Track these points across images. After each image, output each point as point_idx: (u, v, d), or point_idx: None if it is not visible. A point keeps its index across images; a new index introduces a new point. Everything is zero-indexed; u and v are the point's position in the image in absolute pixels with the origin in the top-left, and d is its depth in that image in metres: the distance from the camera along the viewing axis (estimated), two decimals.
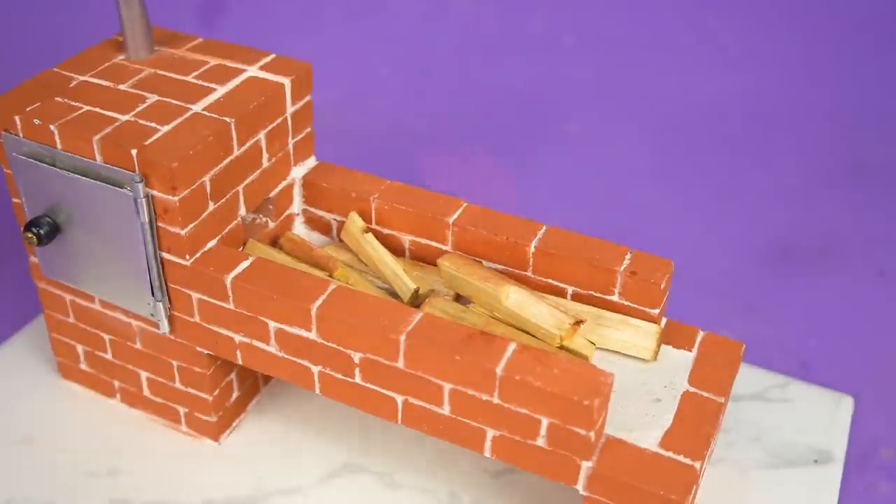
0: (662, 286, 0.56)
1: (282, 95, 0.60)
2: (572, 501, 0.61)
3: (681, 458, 0.50)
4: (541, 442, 0.50)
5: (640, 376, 0.56)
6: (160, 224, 0.55)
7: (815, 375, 0.72)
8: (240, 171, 0.58)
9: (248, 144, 0.58)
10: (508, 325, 0.56)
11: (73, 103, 0.57)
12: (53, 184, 0.56)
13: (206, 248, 0.57)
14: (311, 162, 0.66)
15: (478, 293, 0.57)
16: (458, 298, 0.60)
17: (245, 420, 0.66)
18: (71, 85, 0.59)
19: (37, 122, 0.55)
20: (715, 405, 0.54)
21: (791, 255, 0.85)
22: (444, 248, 0.61)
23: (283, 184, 0.63)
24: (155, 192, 0.54)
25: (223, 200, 0.58)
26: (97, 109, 0.56)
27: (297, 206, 0.65)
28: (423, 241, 0.62)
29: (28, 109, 0.56)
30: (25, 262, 0.80)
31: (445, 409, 0.53)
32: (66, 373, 0.69)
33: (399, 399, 0.54)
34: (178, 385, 0.63)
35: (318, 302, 0.53)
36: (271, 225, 0.63)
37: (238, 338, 0.57)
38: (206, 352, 0.60)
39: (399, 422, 0.55)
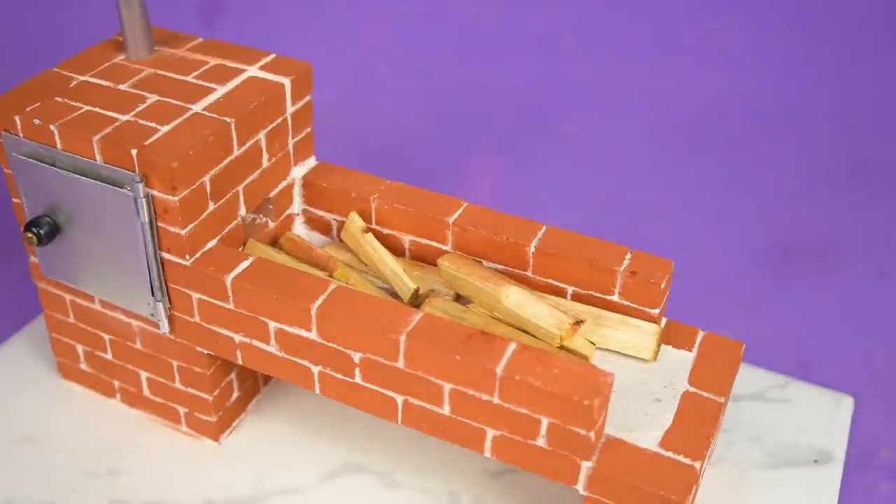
0: (662, 286, 0.56)
1: (282, 95, 0.60)
2: (572, 501, 0.61)
3: (681, 458, 0.50)
4: (541, 442, 0.50)
5: (640, 376, 0.56)
6: (160, 224, 0.55)
7: (815, 375, 0.72)
8: (240, 171, 0.58)
9: (248, 144, 0.58)
10: (508, 325, 0.56)
11: (73, 103, 0.57)
12: (53, 184, 0.56)
13: (206, 248, 0.57)
14: (311, 162, 0.66)
15: (478, 293, 0.57)
16: (458, 298, 0.60)
17: (245, 420, 0.66)
18: (71, 85, 0.59)
19: (37, 122, 0.55)
20: (715, 405, 0.54)
21: (791, 255, 0.85)
22: (444, 248, 0.61)
23: (283, 184, 0.63)
24: (155, 192, 0.54)
25: (223, 200, 0.58)
26: (97, 109, 0.56)
27: (297, 206, 0.65)
28: (423, 241, 0.62)
29: (28, 109, 0.56)
30: (25, 262, 0.80)
31: (445, 409, 0.53)
32: (66, 373, 0.69)
33: (399, 399, 0.54)
34: (178, 385, 0.63)
35: (318, 302, 0.53)
36: (271, 225, 0.63)
37: (238, 338, 0.57)
38: (206, 352, 0.60)
39: (399, 422, 0.55)
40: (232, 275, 0.55)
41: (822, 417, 0.66)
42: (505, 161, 0.97)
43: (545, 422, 0.49)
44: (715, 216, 0.90)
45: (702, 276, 0.81)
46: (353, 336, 0.53)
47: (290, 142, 0.63)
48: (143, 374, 0.64)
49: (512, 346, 0.50)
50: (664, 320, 0.59)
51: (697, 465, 0.50)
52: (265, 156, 0.60)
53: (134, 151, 0.53)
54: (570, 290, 0.59)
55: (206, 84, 0.60)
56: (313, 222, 0.66)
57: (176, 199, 0.53)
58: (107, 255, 0.58)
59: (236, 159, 0.58)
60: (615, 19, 1.11)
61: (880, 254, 0.85)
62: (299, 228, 0.66)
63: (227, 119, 0.56)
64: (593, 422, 0.48)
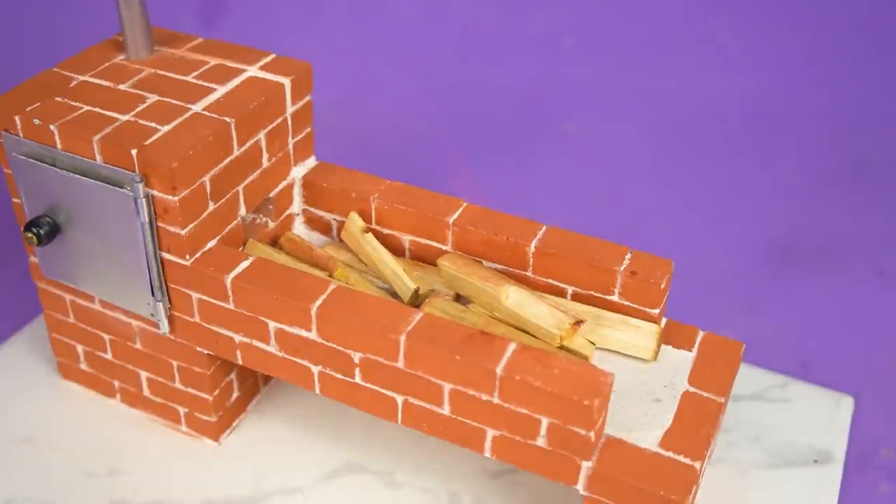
0: (662, 286, 0.56)
1: (282, 95, 0.60)
2: (572, 501, 0.61)
3: (681, 458, 0.50)
4: (541, 442, 0.50)
5: (640, 376, 0.56)
6: (160, 224, 0.55)
7: (815, 375, 0.72)
8: (240, 171, 0.58)
9: (248, 144, 0.58)
10: (508, 325, 0.56)
11: (73, 103, 0.57)
12: (53, 184, 0.56)
13: (206, 248, 0.57)
14: (311, 162, 0.66)
15: (478, 293, 0.57)
16: (458, 298, 0.60)
17: (245, 420, 0.66)
18: (71, 85, 0.59)
19: (37, 122, 0.55)
20: (715, 405, 0.54)
21: (791, 255, 0.85)
22: (444, 248, 0.61)
23: (283, 184, 0.63)
24: (155, 192, 0.54)
25: (223, 200, 0.58)
26: (97, 109, 0.56)
27: (297, 206, 0.65)
28: (423, 241, 0.62)
29: (28, 109, 0.56)
30: (25, 262, 0.80)
31: (445, 409, 0.53)
32: (66, 373, 0.69)
33: (399, 399, 0.54)
34: (178, 385, 0.63)
35: (318, 302, 0.53)
36: (271, 225, 0.63)
37: (238, 338, 0.57)
38: (206, 352, 0.60)
39: (399, 422, 0.55)
40: (232, 275, 0.55)
41: (822, 417, 0.66)
42: (505, 161, 0.97)
43: (545, 422, 0.49)
44: (715, 216, 0.90)
45: (702, 276, 0.81)
46: (353, 336, 0.53)
47: (290, 142, 0.63)
48: (143, 374, 0.64)
49: (512, 346, 0.50)
50: (664, 320, 0.59)
51: (697, 465, 0.50)
52: (265, 156, 0.60)
53: (134, 151, 0.53)
54: (570, 290, 0.59)
55: (206, 84, 0.60)
56: (313, 222, 0.66)
57: (176, 199, 0.53)
58: (107, 255, 0.58)
59: (236, 159, 0.58)
60: (615, 19, 1.11)
61: (880, 254, 0.85)
62: (299, 228, 0.66)
63: (227, 119, 0.56)
64: (593, 422, 0.48)
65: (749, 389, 0.68)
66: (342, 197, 0.63)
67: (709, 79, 1.06)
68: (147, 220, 0.54)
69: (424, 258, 0.62)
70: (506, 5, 1.12)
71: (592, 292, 0.58)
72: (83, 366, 0.67)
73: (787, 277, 0.82)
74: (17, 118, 0.56)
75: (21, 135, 0.56)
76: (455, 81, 1.07)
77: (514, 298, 0.56)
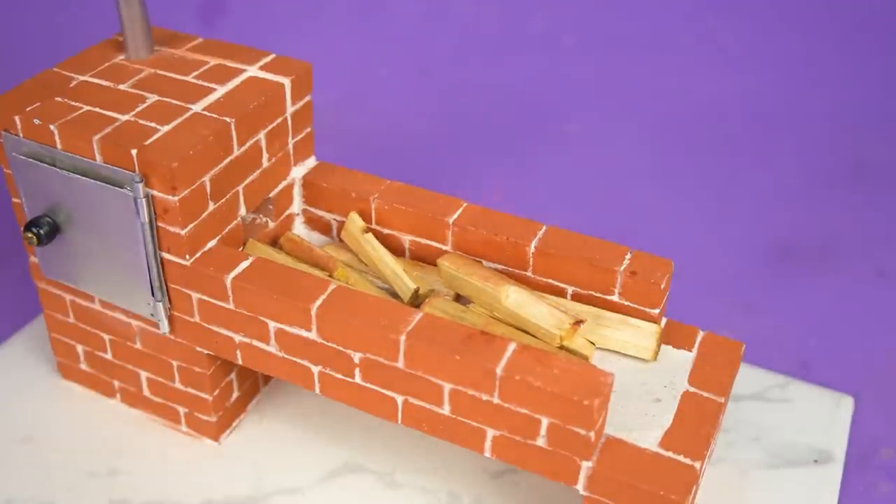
0: (662, 286, 0.56)
1: (282, 95, 0.60)
2: (572, 501, 0.61)
3: (681, 458, 0.50)
4: (541, 442, 0.50)
5: (640, 376, 0.56)
6: (160, 224, 0.55)
7: (815, 375, 0.72)
8: (240, 171, 0.58)
9: (248, 144, 0.58)
10: (508, 325, 0.56)
11: (73, 103, 0.57)
12: (53, 184, 0.56)
13: (206, 248, 0.57)
14: (311, 162, 0.66)
15: (478, 293, 0.57)
16: (458, 298, 0.60)
17: (245, 420, 0.66)
18: (71, 85, 0.59)
19: (37, 122, 0.55)
20: (715, 405, 0.54)
21: (791, 255, 0.85)
22: (444, 248, 0.61)
23: (283, 184, 0.63)
24: (155, 192, 0.54)
25: (223, 200, 0.58)
26: (97, 109, 0.56)
27: (297, 206, 0.65)
28: (423, 241, 0.62)
29: (28, 109, 0.56)
30: (25, 262, 0.80)
31: (445, 409, 0.53)
32: (66, 373, 0.69)
33: (399, 399, 0.54)
34: (178, 385, 0.63)
35: (318, 302, 0.53)
36: (271, 225, 0.63)
37: (238, 338, 0.57)
38: (206, 352, 0.60)
39: (399, 422, 0.55)
40: (232, 275, 0.55)
41: (822, 417, 0.66)
42: (505, 161, 0.97)
43: (545, 422, 0.49)
44: (715, 216, 0.90)
45: (702, 276, 0.81)
46: (353, 336, 0.53)
47: (290, 142, 0.63)
48: (143, 374, 0.64)
49: (512, 346, 0.50)
50: (664, 320, 0.59)
51: (697, 465, 0.50)
52: (265, 156, 0.60)
53: (134, 151, 0.53)
54: (570, 290, 0.59)
55: (206, 84, 0.60)
56: (313, 222, 0.66)
57: (176, 199, 0.53)
58: (107, 255, 0.58)
59: (236, 159, 0.58)
60: (615, 19, 1.11)
61: (880, 254, 0.85)
62: (299, 228, 0.66)
63: (227, 119, 0.56)
64: (593, 422, 0.48)
65: (749, 389, 0.68)
66: (342, 197, 0.63)
67: (709, 79, 1.06)
68: (147, 220, 0.54)
69: (424, 258, 0.62)
70: (506, 5, 1.12)
71: (592, 292, 0.58)
72: (83, 366, 0.67)
73: (787, 277, 0.82)
74: (17, 118, 0.56)
75: (21, 135, 0.56)
76: (455, 81, 1.07)
77: (514, 298, 0.56)
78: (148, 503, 0.61)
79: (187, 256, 0.56)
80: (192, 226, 0.55)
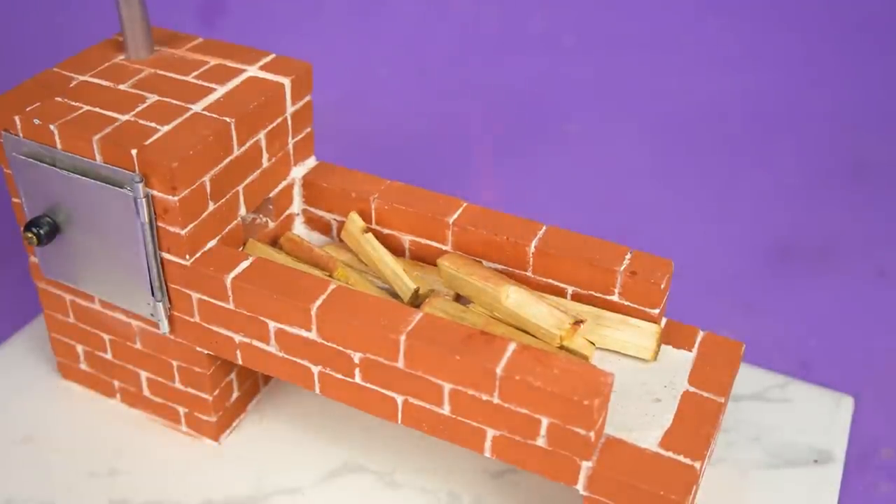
0: (662, 286, 0.56)
1: (282, 95, 0.60)
2: (572, 501, 0.61)
3: (681, 458, 0.50)
4: (541, 442, 0.50)
5: (640, 376, 0.56)
6: (160, 224, 0.55)
7: (815, 375, 0.72)
8: (240, 171, 0.58)
9: (248, 144, 0.58)
10: (508, 325, 0.56)
11: (73, 103, 0.57)
12: (53, 184, 0.56)
13: (206, 248, 0.57)
14: (311, 162, 0.66)
15: (478, 293, 0.57)
16: (458, 298, 0.60)
17: (245, 420, 0.66)
18: (71, 85, 0.59)
19: (37, 122, 0.55)
20: (715, 405, 0.54)
21: (791, 255, 0.85)
22: (444, 248, 0.61)
23: (283, 184, 0.63)
24: (155, 192, 0.54)
25: (223, 200, 0.58)
26: (97, 109, 0.56)
27: (297, 206, 0.65)
28: (423, 241, 0.62)
29: (28, 109, 0.56)
30: (25, 262, 0.80)
31: (445, 409, 0.53)
32: (66, 372, 0.69)
33: (399, 399, 0.54)
34: (178, 385, 0.63)
35: (318, 302, 0.53)
36: (271, 225, 0.63)
37: (238, 338, 0.57)
38: (206, 352, 0.60)
39: (399, 422, 0.55)
40: (232, 275, 0.55)
41: (822, 417, 0.66)
42: (505, 161, 0.97)
43: (545, 422, 0.49)
44: (715, 216, 0.90)
45: (702, 276, 0.81)
46: (353, 336, 0.53)
47: (290, 142, 0.63)
48: (143, 374, 0.64)
49: (512, 346, 0.50)
50: (664, 320, 0.59)
51: (697, 465, 0.50)
52: (265, 156, 0.60)
53: (134, 151, 0.53)
54: (570, 290, 0.59)
55: (206, 84, 0.60)
56: (313, 222, 0.66)
57: (176, 199, 0.53)
58: (107, 255, 0.58)
59: (236, 159, 0.58)
60: (615, 19, 1.11)
61: (880, 254, 0.85)
62: (299, 228, 0.66)
63: (227, 119, 0.56)
64: (593, 422, 0.48)
65: (749, 389, 0.68)
66: (342, 197, 0.63)
67: (709, 79, 1.06)
68: (147, 220, 0.54)
69: (424, 258, 0.62)
70: (506, 5, 1.12)
71: (592, 292, 0.58)
72: (83, 366, 0.67)
73: (787, 277, 0.82)
74: (17, 118, 0.56)
75: (21, 135, 0.56)
76: (455, 81, 1.07)
77: (514, 298, 0.56)
78: (148, 503, 0.61)
79: (187, 256, 0.56)
80: (192, 226, 0.55)
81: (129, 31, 0.60)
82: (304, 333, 0.55)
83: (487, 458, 0.58)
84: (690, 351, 0.57)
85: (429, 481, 0.62)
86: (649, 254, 0.58)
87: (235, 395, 0.65)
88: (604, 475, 0.50)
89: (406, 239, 0.62)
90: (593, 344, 0.56)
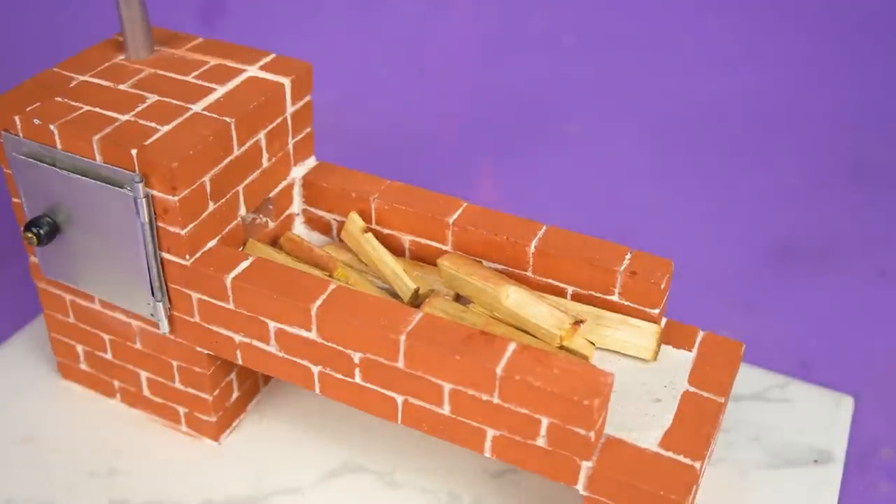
0: (662, 286, 0.56)
1: (282, 95, 0.60)
2: (572, 501, 0.61)
3: (681, 458, 0.50)
4: (541, 442, 0.50)
5: (640, 376, 0.56)
6: (160, 224, 0.55)
7: (815, 375, 0.72)
8: (240, 171, 0.58)
9: (248, 144, 0.58)
10: (508, 325, 0.56)
11: (73, 103, 0.57)
12: (53, 184, 0.56)
13: (206, 248, 0.57)
14: (311, 162, 0.66)
15: (478, 293, 0.57)
16: (458, 298, 0.60)
17: (245, 420, 0.66)
18: (71, 85, 0.59)
19: (37, 122, 0.55)
20: (715, 405, 0.54)
21: (791, 255, 0.85)
22: (444, 248, 0.61)
23: (283, 184, 0.63)
24: (155, 192, 0.54)
25: (223, 200, 0.58)
26: (97, 109, 0.56)
27: (297, 206, 0.65)
28: (423, 241, 0.62)
29: (28, 109, 0.56)
30: (25, 262, 0.80)
31: (445, 409, 0.53)
32: (66, 372, 0.69)
33: (399, 399, 0.54)
34: (178, 385, 0.63)
35: (318, 302, 0.53)
36: (271, 225, 0.63)
37: (238, 338, 0.57)
38: (206, 352, 0.60)
39: (399, 422, 0.55)
40: (232, 275, 0.55)
41: (822, 417, 0.66)
42: (505, 161, 0.97)
43: (545, 422, 0.49)
44: (715, 216, 0.90)
45: (702, 276, 0.81)
46: (353, 336, 0.53)
47: (290, 142, 0.63)
48: (143, 374, 0.64)
49: (512, 346, 0.50)
50: (664, 320, 0.59)
51: (697, 465, 0.50)
52: (265, 156, 0.60)
53: (134, 151, 0.53)
54: (570, 290, 0.59)
55: (206, 84, 0.60)
56: (313, 222, 0.66)
57: (176, 199, 0.53)
58: (107, 255, 0.58)
59: (236, 159, 0.58)
60: (615, 19, 1.11)
61: (880, 254, 0.85)
62: (299, 228, 0.66)
63: (227, 119, 0.56)
64: (593, 422, 0.48)
65: (749, 389, 0.68)
66: (342, 197, 0.63)
67: (709, 79, 1.06)
68: (147, 220, 0.54)
69: (424, 258, 0.62)
70: (506, 5, 1.12)
71: (592, 292, 0.58)
72: (83, 366, 0.67)
73: (787, 277, 0.82)
74: (17, 118, 0.56)
75: (21, 135, 0.56)
76: (455, 81, 1.07)
77: (514, 298, 0.56)
78: (148, 503, 0.61)
79: (187, 256, 0.56)
80: (192, 226, 0.55)
81: (129, 31, 0.60)
82: (304, 333, 0.54)
83: (487, 458, 0.58)
84: (690, 351, 0.57)
85: (429, 481, 0.62)
86: (649, 254, 0.58)
87: (235, 395, 0.65)
88: (604, 475, 0.50)
89: (406, 239, 0.62)
90: (593, 344, 0.56)
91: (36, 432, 0.65)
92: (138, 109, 0.57)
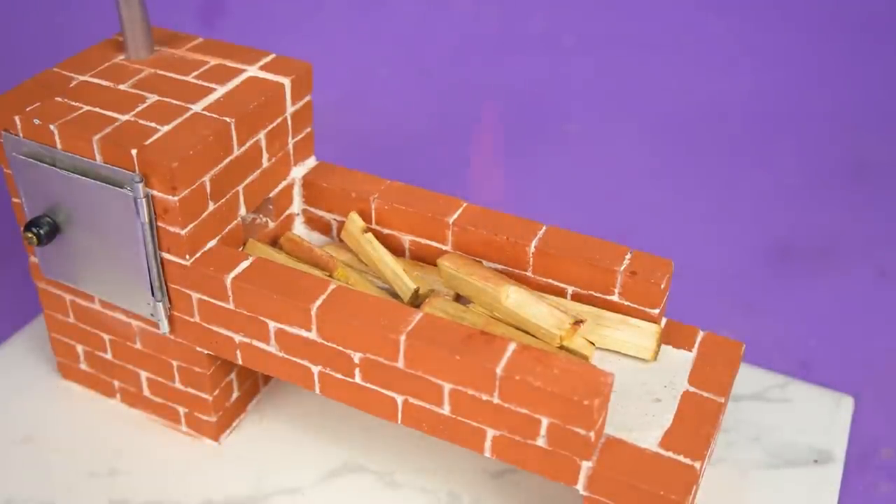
0: (662, 286, 0.56)
1: (282, 95, 0.60)
2: (572, 501, 0.61)
3: (681, 458, 0.50)
4: (541, 442, 0.50)
5: (640, 376, 0.56)
6: (160, 224, 0.55)
7: (815, 375, 0.72)
8: (240, 171, 0.58)
9: (248, 144, 0.58)
10: (508, 325, 0.56)
11: (73, 103, 0.57)
12: (53, 184, 0.56)
13: (206, 248, 0.57)
14: (311, 162, 0.66)
15: (478, 293, 0.57)
16: (458, 298, 0.60)
17: (245, 420, 0.66)
18: (71, 85, 0.59)
19: (37, 122, 0.55)
20: (715, 405, 0.54)
21: (791, 255, 0.85)
22: (444, 248, 0.61)
23: (283, 184, 0.63)
24: (155, 192, 0.54)
25: (223, 200, 0.58)
26: (97, 109, 0.56)
27: (297, 206, 0.65)
28: (423, 241, 0.62)
29: (28, 109, 0.56)
30: (25, 262, 0.80)
31: (445, 409, 0.53)
32: (66, 372, 0.69)
33: (399, 399, 0.54)
34: (178, 385, 0.63)
35: (318, 302, 0.53)
36: (271, 225, 0.63)
37: (238, 338, 0.57)
38: (206, 352, 0.60)
39: (399, 422, 0.55)
40: (232, 275, 0.55)
41: (822, 417, 0.66)
42: (505, 161, 0.97)
43: (545, 422, 0.49)
44: (715, 216, 0.90)
45: (702, 276, 0.81)
46: (353, 336, 0.53)
47: (290, 142, 0.63)
48: (143, 374, 0.64)
49: (512, 346, 0.50)
50: (664, 320, 0.59)
51: (697, 465, 0.50)
52: (265, 156, 0.60)
53: (134, 151, 0.53)
54: (570, 290, 0.59)
55: (206, 84, 0.60)
56: (313, 222, 0.66)
57: (176, 199, 0.53)
58: (107, 255, 0.58)
59: (236, 159, 0.58)
60: (615, 19, 1.11)
61: (880, 254, 0.85)
62: (299, 228, 0.66)
63: (227, 119, 0.56)
64: (593, 422, 0.48)
65: (749, 389, 0.68)
66: (342, 197, 0.63)
67: (709, 79, 1.06)
68: (147, 220, 0.54)
69: (424, 258, 0.62)
70: (506, 5, 1.12)
71: (592, 292, 0.58)
72: (83, 366, 0.67)
73: (787, 277, 0.82)
74: (17, 118, 0.56)
75: (21, 135, 0.56)
76: (455, 81, 1.07)
77: (514, 298, 0.56)
78: (148, 503, 0.61)
79: (187, 256, 0.56)
80: (192, 226, 0.55)
81: (129, 31, 0.60)
82: (304, 333, 0.55)
83: (487, 458, 0.58)
84: (690, 351, 0.57)
85: (429, 481, 0.62)
86: (649, 254, 0.58)
87: (235, 395, 0.65)
88: (604, 475, 0.50)
89: (406, 239, 0.62)
90: (593, 344, 0.56)
91: (36, 432, 0.65)
92: (138, 109, 0.57)
